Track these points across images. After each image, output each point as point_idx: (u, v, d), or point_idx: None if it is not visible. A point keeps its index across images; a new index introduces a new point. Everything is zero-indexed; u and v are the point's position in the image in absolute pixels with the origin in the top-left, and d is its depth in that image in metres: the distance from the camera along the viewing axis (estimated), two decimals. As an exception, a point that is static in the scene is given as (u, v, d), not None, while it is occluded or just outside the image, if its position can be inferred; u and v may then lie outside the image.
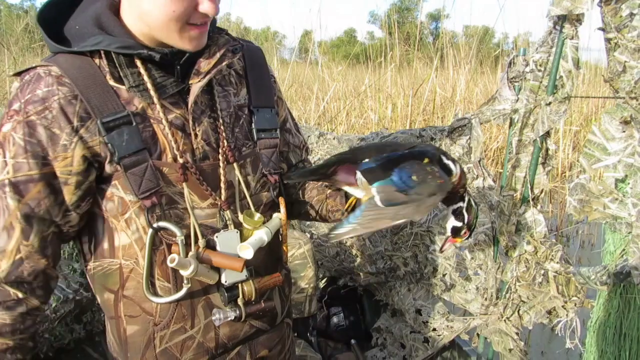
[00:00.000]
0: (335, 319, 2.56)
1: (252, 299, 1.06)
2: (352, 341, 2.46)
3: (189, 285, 0.99)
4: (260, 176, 1.09)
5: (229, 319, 1.04)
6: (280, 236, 1.12)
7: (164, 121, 0.95)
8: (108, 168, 0.93)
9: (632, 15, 1.30)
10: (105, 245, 1.00)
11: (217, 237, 1.01)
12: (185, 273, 0.95)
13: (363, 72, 7.42)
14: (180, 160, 0.96)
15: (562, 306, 1.61)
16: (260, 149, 1.09)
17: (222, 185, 1.01)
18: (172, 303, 1.00)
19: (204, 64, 0.96)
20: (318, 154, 2.51)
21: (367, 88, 6.32)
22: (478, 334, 2.00)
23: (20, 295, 0.94)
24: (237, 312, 1.04)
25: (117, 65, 0.93)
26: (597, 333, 1.51)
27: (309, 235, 2.42)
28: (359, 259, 2.47)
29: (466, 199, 1.10)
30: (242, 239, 1.03)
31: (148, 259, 0.97)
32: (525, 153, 1.73)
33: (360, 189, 1.04)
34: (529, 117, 1.70)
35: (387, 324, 2.42)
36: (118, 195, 0.95)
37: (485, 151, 5.72)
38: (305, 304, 2.25)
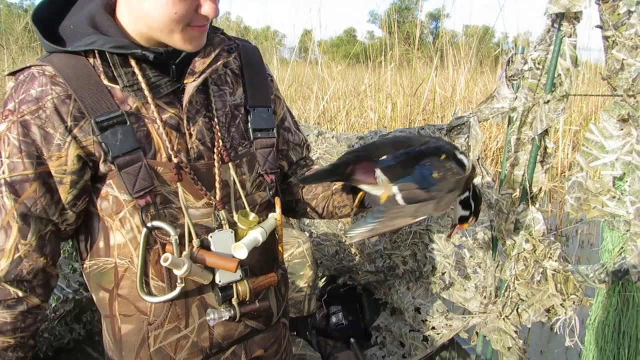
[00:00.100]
0: (334, 318, 2.56)
1: (247, 299, 1.05)
2: (352, 340, 2.46)
3: (183, 284, 0.99)
4: (257, 176, 1.09)
5: (223, 319, 1.04)
6: (276, 236, 1.12)
7: (158, 121, 0.95)
8: (102, 167, 0.93)
9: (629, 12, 1.30)
10: (101, 244, 1.00)
11: (211, 237, 1.01)
12: (178, 272, 0.95)
13: (363, 72, 7.42)
14: (175, 160, 0.96)
15: (561, 304, 1.61)
16: (256, 149, 1.09)
17: (217, 184, 1.01)
18: (166, 302, 1.00)
19: (199, 64, 0.96)
20: (317, 153, 2.51)
21: (366, 87, 6.32)
22: (477, 333, 2.00)
23: (20, 293, 0.95)
24: (232, 312, 1.04)
25: (111, 64, 0.93)
26: (595, 331, 1.50)
27: (308, 234, 2.42)
28: (358, 258, 2.47)
29: (471, 188, 1.09)
30: (237, 238, 1.03)
31: (142, 258, 0.97)
32: (523, 151, 1.73)
33: (380, 187, 1.03)
34: (527, 116, 1.70)
35: (386, 323, 2.43)
36: (113, 194, 0.95)
37: (485, 151, 5.73)
38: (304, 303, 2.25)
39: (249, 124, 1.09)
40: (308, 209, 1.22)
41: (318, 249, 2.60)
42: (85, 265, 1.04)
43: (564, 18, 1.51)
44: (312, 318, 2.51)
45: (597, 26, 1.38)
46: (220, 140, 1.02)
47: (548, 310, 1.66)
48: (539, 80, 1.64)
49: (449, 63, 6.36)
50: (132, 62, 0.94)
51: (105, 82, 0.93)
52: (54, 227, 0.96)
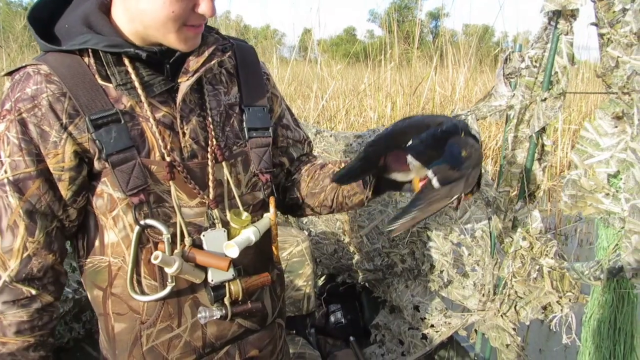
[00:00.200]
0: (333, 316, 2.56)
1: (239, 298, 1.05)
2: (351, 338, 2.46)
3: (173, 284, 0.99)
4: (252, 175, 1.09)
5: (215, 317, 1.04)
6: (270, 236, 1.12)
7: (151, 119, 0.96)
8: (97, 165, 0.94)
9: (624, 10, 1.30)
10: (96, 242, 1.00)
11: (203, 235, 1.01)
12: (169, 271, 0.95)
13: (362, 71, 7.42)
14: (168, 159, 0.97)
15: (557, 302, 1.61)
16: (251, 148, 1.09)
17: (211, 184, 1.01)
18: (157, 301, 1.01)
19: (193, 63, 0.97)
20: (315, 152, 2.52)
21: (366, 86, 6.32)
22: (476, 330, 2.01)
23: (33, 292, 0.96)
24: (223, 311, 1.04)
25: (104, 63, 0.94)
26: (592, 328, 1.51)
27: (306, 233, 2.43)
28: (356, 256, 2.47)
29: None
30: (230, 238, 1.03)
31: (134, 256, 0.98)
32: (521, 149, 1.74)
33: (411, 173, 1.01)
34: (524, 113, 1.70)
35: (385, 321, 2.43)
36: (107, 192, 0.96)
37: (484, 150, 5.72)
38: (303, 302, 2.25)
39: (244, 123, 1.09)
40: (317, 204, 1.19)
41: (317, 247, 2.60)
42: (81, 263, 1.05)
43: (561, 16, 1.51)
44: (312, 317, 2.52)
45: (592, 24, 1.38)
46: (214, 140, 1.02)
47: (545, 308, 1.67)
48: (536, 78, 1.65)
49: (449, 62, 6.37)
50: (126, 61, 0.94)
51: (100, 81, 0.94)
52: (59, 223, 0.97)
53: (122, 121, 0.93)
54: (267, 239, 1.10)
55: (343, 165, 1.15)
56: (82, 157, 0.94)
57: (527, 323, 1.76)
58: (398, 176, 1.05)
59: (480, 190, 1.88)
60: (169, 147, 0.97)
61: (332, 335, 2.54)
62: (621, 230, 1.37)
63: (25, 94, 0.90)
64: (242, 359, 1.13)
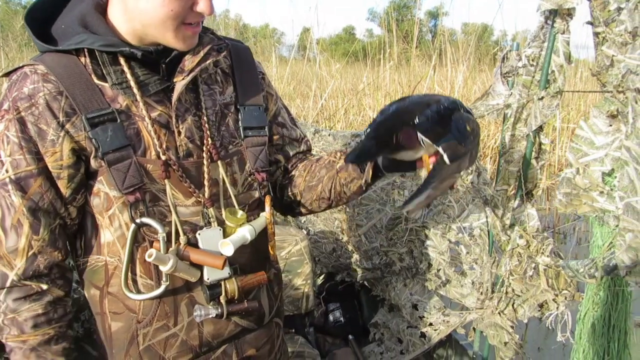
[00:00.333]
0: (332, 315, 2.56)
1: (235, 297, 1.05)
2: (350, 337, 2.46)
3: (168, 282, 1.00)
4: (248, 174, 1.09)
5: (210, 316, 1.04)
6: (267, 235, 1.12)
7: (146, 118, 0.96)
8: (93, 163, 0.95)
9: (619, 9, 1.31)
10: (93, 241, 1.01)
11: (199, 234, 1.02)
12: (164, 269, 0.96)
13: (361, 70, 7.41)
14: (163, 157, 0.97)
15: (553, 299, 1.62)
16: (247, 147, 1.09)
17: (206, 183, 1.02)
18: (153, 300, 1.01)
19: (188, 62, 0.98)
20: (314, 151, 2.52)
21: (365, 85, 6.32)
22: (474, 329, 2.01)
23: (43, 286, 0.96)
24: (219, 309, 1.04)
25: (100, 63, 0.94)
26: (586, 325, 1.51)
27: (305, 232, 2.43)
28: (355, 255, 2.48)
29: None
30: (225, 236, 1.03)
31: (129, 254, 0.98)
32: (518, 148, 1.74)
33: (420, 150, 1.00)
34: (521, 112, 1.71)
35: (384, 319, 2.43)
36: (103, 191, 0.97)
37: (483, 149, 5.72)
38: (302, 301, 2.26)
39: (240, 122, 1.09)
40: (315, 197, 1.17)
41: (315, 246, 2.61)
42: (78, 262, 1.05)
43: (557, 15, 1.52)
44: (311, 315, 2.53)
45: (588, 22, 1.39)
46: (209, 139, 1.03)
47: (541, 306, 1.67)
48: (533, 76, 1.66)
49: (448, 61, 6.36)
50: (121, 61, 0.95)
51: (96, 80, 0.94)
52: (62, 221, 0.97)
53: (118, 120, 0.94)
54: (263, 237, 1.10)
55: (339, 155, 1.14)
56: (80, 155, 0.95)
57: (525, 321, 1.76)
58: (406, 155, 1.03)
59: (478, 189, 1.89)
60: (164, 146, 0.98)
61: (331, 334, 2.54)
62: (616, 228, 1.38)
63: (22, 93, 0.91)
64: (239, 358, 1.13)
